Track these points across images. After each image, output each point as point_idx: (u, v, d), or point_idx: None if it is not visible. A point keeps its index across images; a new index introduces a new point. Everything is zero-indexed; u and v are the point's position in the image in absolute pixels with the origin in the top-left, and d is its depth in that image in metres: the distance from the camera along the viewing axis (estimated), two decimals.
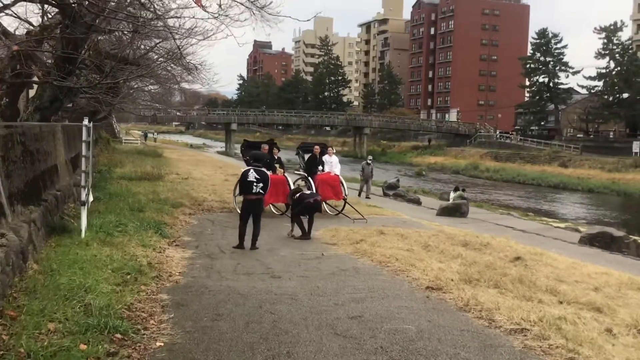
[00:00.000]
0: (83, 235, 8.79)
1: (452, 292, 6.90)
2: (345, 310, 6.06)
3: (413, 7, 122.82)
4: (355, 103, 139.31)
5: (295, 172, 16.18)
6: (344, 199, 15.22)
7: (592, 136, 74.75)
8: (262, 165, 10.46)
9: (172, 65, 27.30)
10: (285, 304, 6.27)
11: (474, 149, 73.88)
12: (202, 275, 7.57)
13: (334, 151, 15.87)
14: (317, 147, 15.43)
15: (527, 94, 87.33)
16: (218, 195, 17.31)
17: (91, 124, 8.82)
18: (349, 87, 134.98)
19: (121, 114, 69.73)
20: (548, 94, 77.36)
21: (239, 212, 14.58)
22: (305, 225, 11.34)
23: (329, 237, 11.38)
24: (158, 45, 19.54)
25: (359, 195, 21.74)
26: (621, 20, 66.75)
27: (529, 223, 20.35)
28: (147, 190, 16.23)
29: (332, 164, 15.40)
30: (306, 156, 15.52)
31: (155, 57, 24.51)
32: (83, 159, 8.75)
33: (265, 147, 14.40)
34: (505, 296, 7.04)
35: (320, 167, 15.15)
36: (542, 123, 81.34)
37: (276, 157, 14.77)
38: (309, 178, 14.88)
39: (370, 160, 24.03)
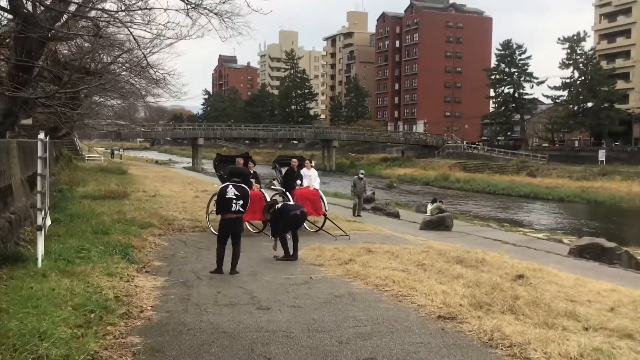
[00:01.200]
0: (40, 264, 7.72)
1: (468, 321, 6.06)
2: (352, 350, 5.15)
3: (377, 20, 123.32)
4: (322, 116, 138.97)
5: (272, 187, 15.25)
6: (325, 215, 14.35)
7: (557, 145, 75.55)
8: (241, 180, 9.53)
9: (135, 79, 26.27)
10: (280, 343, 5.33)
11: (443, 160, 73.98)
12: (179, 309, 6.58)
13: (313, 164, 14.98)
14: (294, 160, 14.54)
15: (492, 105, 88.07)
16: (189, 214, 16.26)
17: (47, 138, 7.78)
18: (316, 100, 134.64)
19: (83, 131, 67.96)
20: (513, 104, 78.00)
21: (213, 231, 13.64)
22: (290, 245, 10.42)
23: (314, 257, 10.47)
24: (121, 57, 18.50)
25: (354, 214, 20.01)
26: (584, 31, 67.79)
27: (510, 234, 19.76)
28: (112, 210, 15.10)
29: (310, 177, 14.54)
30: (283, 170, 14.62)
31: (118, 70, 23.43)
32: (39, 178, 7.70)
33: (240, 161, 13.46)
34: (524, 323, 6.25)
35: (298, 182, 14.27)
36: (509, 133, 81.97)
37: (252, 172, 13.83)
38: (287, 193, 13.98)
39: (362, 174, 22.06)
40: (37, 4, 10.20)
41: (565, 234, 25.70)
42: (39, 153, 7.59)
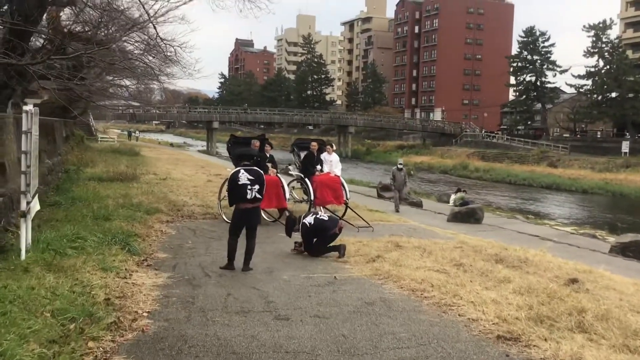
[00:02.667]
0: (23, 256, 6.68)
1: (536, 344, 4.92)
2: None
3: (397, 5, 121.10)
4: (339, 102, 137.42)
5: (290, 172, 14.10)
6: (346, 204, 13.22)
7: (579, 136, 73.69)
8: (253, 163, 8.37)
9: (149, 57, 25.20)
10: None
11: (460, 149, 72.47)
12: (180, 317, 5.49)
13: (334, 148, 13.78)
14: (314, 143, 13.36)
15: (513, 93, 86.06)
16: (200, 199, 15.20)
17: (33, 108, 6.70)
18: (332, 85, 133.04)
19: (98, 112, 67.25)
20: (535, 93, 76.05)
21: (225, 219, 12.57)
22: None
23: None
24: (133, 34, 17.38)
25: (397, 210, 17.73)
26: (610, 18, 65.54)
27: (540, 228, 18.50)
28: (117, 194, 14.06)
29: (332, 163, 13.36)
30: (302, 154, 13.47)
31: (130, 47, 22.35)
32: (23, 156, 6.63)
33: (256, 143, 12.31)
34: (600, 346, 5.11)
35: (318, 167, 13.12)
36: (529, 122, 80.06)
37: (268, 155, 12.71)
38: (306, 180, 12.85)
39: (401, 165, 19.52)
40: None
41: (593, 228, 24.39)
42: (23, 127, 6.51)
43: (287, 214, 11.53)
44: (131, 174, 18.99)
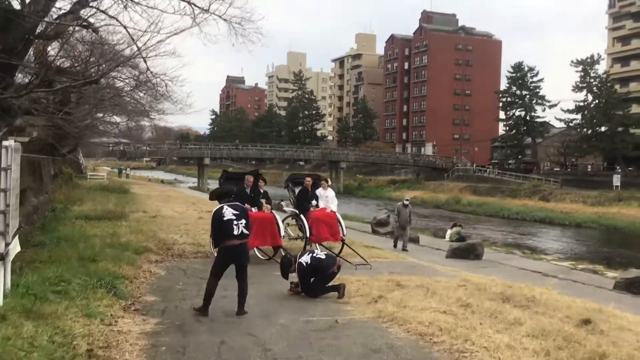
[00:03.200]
0: (0, 302, 6.19)
1: None
2: None
3: (386, 42, 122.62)
4: (330, 137, 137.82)
5: (285, 208, 13.70)
6: (342, 240, 12.80)
7: (569, 170, 73.88)
8: (234, 199, 7.83)
9: (140, 94, 24.91)
10: None
11: (452, 183, 72.44)
12: None
13: (330, 184, 13.43)
14: (308, 178, 13.00)
15: (502, 128, 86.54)
16: (191, 237, 14.72)
17: (12, 143, 6.29)
18: (323, 121, 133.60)
19: (88, 149, 66.80)
20: (525, 127, 76.52)
21: None
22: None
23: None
24: (124, 71, 17.15)
25: (395, 246, 17.37)
26: (598, 54, 66.55)
27: (540, 263, 18.15)
28: (105, 232, 13.59)
29: (327, 198, 12.98)
30: (297, 189, 13.10)
31: (120, 84, 22.06)
32: (2, 194, 6.19)
33: (250, 178, 11.93)
34: None
35: (313, 202, 12.73)
36: (519, 157, 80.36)
37: (262, 191, 12.31)
38: (301, 216, 12.45)
39: (407, 201, 18.49)
40: None
41: (591, 262, 24.05)
42: (2, 163, 6.09)
43: (283, 252, 11.09)
44: (120, 212, 18.52)
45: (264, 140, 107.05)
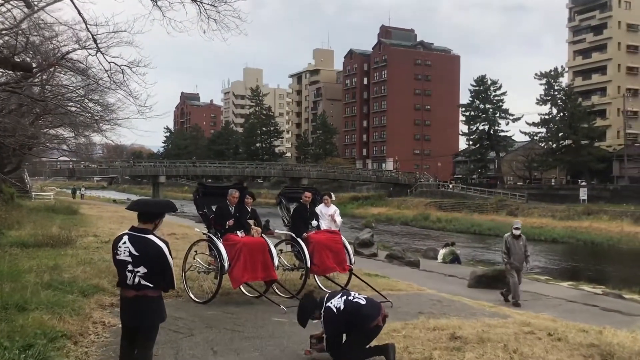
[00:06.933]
0: None
1: None
2: None
3: (345, 57, 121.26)
4: (288, 154, 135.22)
5: (277, 231, 10.97)
6: (350, 270, 10.18)
7: (532, 184, 73.24)
8: (151, 225, 4.87)
9: (90, 104, 21.83)
10: None
11: (417, 199, 70.78)
12: None
13: (333, 199, 10.73)
14: (307, 193, 10.30)
15: (465, 143, 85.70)
16: None
17: None
18: (282, 137, 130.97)
19: (35, 168, 62.24)
20: (488, 142, 75.66)
21: (192, 297, 9.31)
22: None
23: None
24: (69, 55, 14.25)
25: (506, 299, 11.97)
26: (562, 66, 66.26)
27: (560, 289, 15.76)
28: (44, 265, 10.58)
29: (330, 217, 10.37)
30: (292, 207, 10.44)
31: (65, 81, 19.09)
32: None
33: (235, 194, 9.20)
34: None
35: (314, 223, 10.08)
36: (482, 171, 79.50)
37: (249, 209, 9.61)
38: (298, 240, 9.78)
39: (518, 229, 12.67)
40: None
41: (597, 283, 22.02)
42: None
43: (277, 288, 8.42)
44: (65, 237, 15.42)
45: (220, 158, 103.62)
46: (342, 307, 5.90)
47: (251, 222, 9.46)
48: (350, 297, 6.06)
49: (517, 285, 11.79)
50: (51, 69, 18.11)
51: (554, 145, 65.51)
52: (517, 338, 6.85)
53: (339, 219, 10.43)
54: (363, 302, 6.02)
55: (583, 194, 57.87)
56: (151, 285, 4.72)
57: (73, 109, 20.94)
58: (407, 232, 49.64)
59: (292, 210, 10.32)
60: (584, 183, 62.57)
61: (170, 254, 4.81)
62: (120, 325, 4.71)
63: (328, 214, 10.30)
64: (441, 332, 6.94)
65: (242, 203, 9.39)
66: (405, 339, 6.67)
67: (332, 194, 10.88)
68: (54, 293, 8.11)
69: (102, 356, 6.05)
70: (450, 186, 74.41)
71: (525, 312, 9.38)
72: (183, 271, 9.43)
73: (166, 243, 4.84)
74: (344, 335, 5.92)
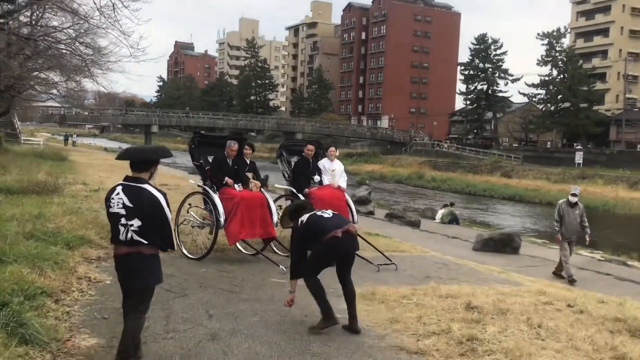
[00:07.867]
0: None
1: None
2: None
3: (344, 10, 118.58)
4: (283, 108, 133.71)
5: (276, 185, 10.34)
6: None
7: (529, 146, 72.75)
8: (146, 174, 4.35)
9: (81, 47, 20.87)
10: None
11: (411, 157, 70.23)
12: None
13: (337, 153, 10.06)
14: (310, 146, 9.64)
15: (462, 102, 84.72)
16: None
17: None
18: (277, 91, 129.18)
19: (25, 113, 60.89)
20: (486, 102, 74.69)
21: (185, 253, 8.75)
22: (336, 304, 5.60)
23: (384, 319, 5.76)
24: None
25: (571, 279, 10.45)
26: (564, 27, 64.82)
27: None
28: (28, 214, 9.88)
29: (334, 172, 9.72)
30: (293, 160, 9.79)
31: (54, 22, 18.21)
32: None
33: (234, 145, 8.53)
34: None
35: (316, 178, 9.46)
36: (479, 131, 78.76)
37: (248, 162, 8.96)
38: (299, 196, 9.17)
39: (575, 196, 11.82)
40: None
41: (598, 249, 21.69)
42: None
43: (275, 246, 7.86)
44: (52, 184, 14.69)
45: (214, 110, 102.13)
46: (304, 220, 5.57)
47: (250, 175, 8.83)
48: (318, 212, 5.70)
49: (568, 258, 10.76)
50: (40, 8, 17.09)
51: (552, 108, 64.72)
52: (536, 309, 6.33)
53: (344, 176, 9.78)
54: (327, 215, 5.67)
55: (579, 157, 57.56)
56: (145, 242, 4.18)
57: (64, 51, 20.07)
58: (401, 191, 49.19)
59: (293, 164, 9.67)
60: (579, 147, 62.14)
61: (168, 206, 4.22)
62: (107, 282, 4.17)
63: (332, 169, 9.65)
64: (455, 301, 6.40)
65: (240, 155, 8.73)
66: (418, 308, 6.13)
67: (336, 147, 10.16)
68: (36, 244, 7.46)
69: (86, 316, 5.47)
70: (445, 146, 73.84)
71: (538, 279, 8.88)
72: (176, 225, 8.83)
73: (164, 194, 4.27)
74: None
